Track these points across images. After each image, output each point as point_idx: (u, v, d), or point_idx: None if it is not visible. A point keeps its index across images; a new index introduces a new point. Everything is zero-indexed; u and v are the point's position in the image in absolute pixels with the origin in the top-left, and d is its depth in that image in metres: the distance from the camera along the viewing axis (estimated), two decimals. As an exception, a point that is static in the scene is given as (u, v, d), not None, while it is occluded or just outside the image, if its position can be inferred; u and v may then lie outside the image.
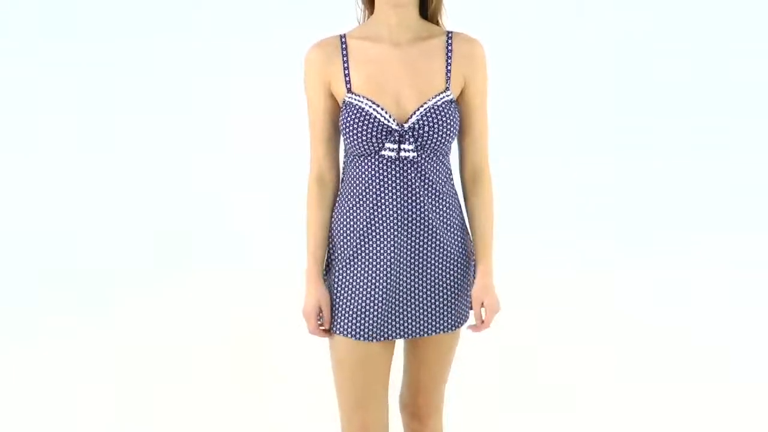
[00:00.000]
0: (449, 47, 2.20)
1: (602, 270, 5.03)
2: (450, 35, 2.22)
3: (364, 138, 2.16)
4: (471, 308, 2.29)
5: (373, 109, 2.15)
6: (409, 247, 2.21)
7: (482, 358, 3.77)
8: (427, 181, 2.20)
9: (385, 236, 2.19)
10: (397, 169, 2.18)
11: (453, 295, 2.26)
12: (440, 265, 2.24)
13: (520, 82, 5.70)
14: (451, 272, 2.26)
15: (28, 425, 3.44)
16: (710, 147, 5.83)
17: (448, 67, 2.19)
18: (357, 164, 2.21)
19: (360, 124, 2.15)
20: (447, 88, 2.19)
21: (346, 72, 2.19)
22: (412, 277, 2.22)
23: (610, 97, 5.83)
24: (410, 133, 2.16)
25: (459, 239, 2.26)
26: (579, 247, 5.30)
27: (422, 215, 2.20)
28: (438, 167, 2.21)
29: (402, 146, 2.15)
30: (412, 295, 2.23)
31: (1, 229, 5.49)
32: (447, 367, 2.37)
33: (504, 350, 3.92)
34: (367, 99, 2.16)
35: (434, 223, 2.21)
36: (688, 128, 5.84)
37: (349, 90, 2.18)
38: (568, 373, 3.82)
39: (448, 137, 2.19)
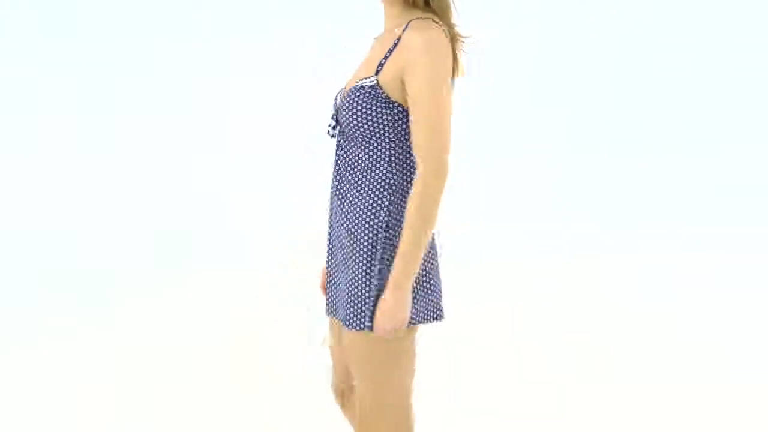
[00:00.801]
0: (399, 37, 2.14)
1: (588, 260, 5.03)
2: (407, 25, 2.15)
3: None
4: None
5: None
6: (330, 228, 2.29)
7: (468, 348, 3.77)
8: (343, 165, 2.22)
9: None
10: (334, 150, 2.26)
11: (344, 292, 2.21)
12: (338, 258, 2.25)
13: (510, 75, 5.71)
14: (342, 270, 2.24)
15: (28, 425, 3.44)
16: (697, 140, 5.83)
17: (386, 55, 2.15)
18: None
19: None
20: (373, 75, 2.15)
21: None
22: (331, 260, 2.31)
23: (598, 89, 5.82)
24: (333, 115, 2.25)
25: (357, 236, 2.16)
26: (565, 238, 5.30)
27: (334, 198, 2.26)
28: (356, 154, 2.19)
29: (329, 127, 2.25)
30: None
31: (1, 229, 5.49)
32: (360, 369, 2.25)
33: (489, 342, 3.93)
34: None
35: (336, 211, 2.24)
36: (676, 121, 5.85)
37: None
38: (555, 364, 3.82)
39: (354, 121, 2.16)
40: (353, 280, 2.17)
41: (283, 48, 5.13)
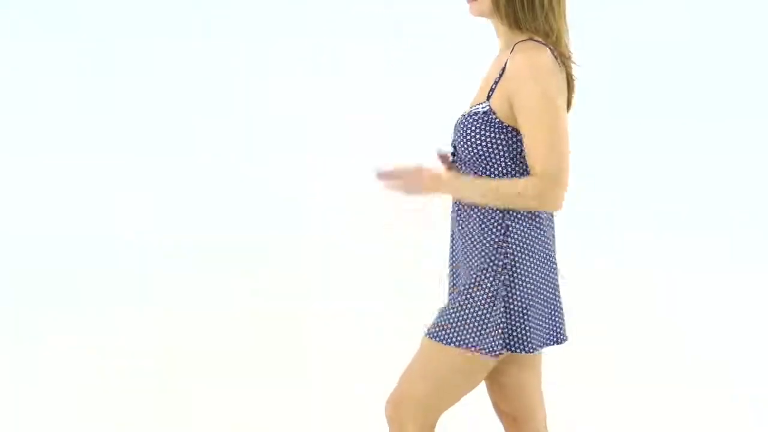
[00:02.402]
0: (507, 60, 2.15)
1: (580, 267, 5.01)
2: (514, 47, 2.16)
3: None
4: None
5: None
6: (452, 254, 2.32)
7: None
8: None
9: None
10: None
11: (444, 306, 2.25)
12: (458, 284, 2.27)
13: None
14: (449, 289, 2.30)
15: (28, 425, 3.43)
16: (688, 146, 5.79)
17: (497, 80, 2.16)
18: None
19: None
20: (485, 100, 2.17)
21: None
22: None
23: (592, 94, 5.78)
24: (453, 143, 2.27)
25: (468, 261, 2.20)
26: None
27: (452, 223, 2.29)
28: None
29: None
30: None
31: (1, 229, 5.48)
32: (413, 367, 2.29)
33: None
34: None
35: (455, 233, 2.27)
36: (670, 127, 5.82)
37: None
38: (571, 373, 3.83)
39: (468, 146, 2.17)
40: (450, 302, 2.23)
41: (284, 49, 5.12)
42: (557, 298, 2.24)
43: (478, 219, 2.18)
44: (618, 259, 5.17)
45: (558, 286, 2.24)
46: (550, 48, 2.13)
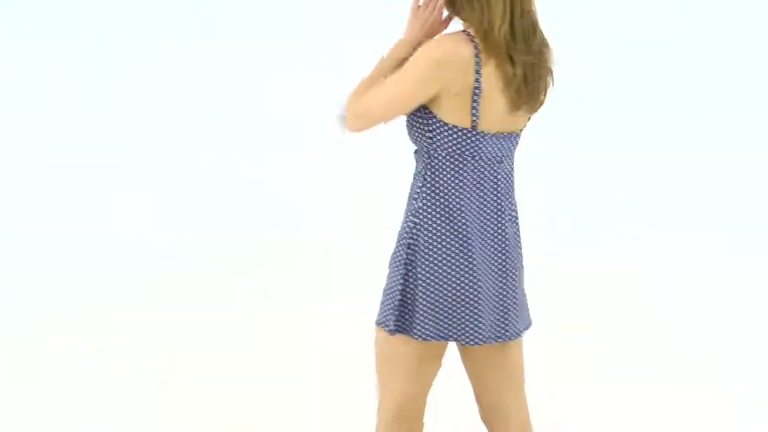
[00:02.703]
0: None
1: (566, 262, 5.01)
2: None
3: None
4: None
5: None
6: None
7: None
8: None
9: None
10: None
11: None
12: None
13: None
14: None
15: (28, 425, 3.43)
16: (682, 145, 5.79)
17: None
18: None
19: None
20: None
21: None
22: None
23: (582, 91, 5.76)
24: None
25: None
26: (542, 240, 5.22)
27: None
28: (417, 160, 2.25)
29: None
30: None
31: (1, 229, 5.48)
32: None
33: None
34: None
35: None
36: (666, 125, 5.81)
37: None
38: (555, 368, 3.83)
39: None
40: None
41: (284, 48, 5.13)
42: (477, 297, 2.15)
43: (410, 193, 2.22)
44: (605, 255, 5.17)
45: (477, 285, 2.15)
46: (474, 43, 2.09)
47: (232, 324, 4.34)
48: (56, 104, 5.79)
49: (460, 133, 2.12)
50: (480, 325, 2.16)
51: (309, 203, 5.42)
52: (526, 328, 2.30)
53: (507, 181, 2.21)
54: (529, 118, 2.23)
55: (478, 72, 2.08)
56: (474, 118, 2.11)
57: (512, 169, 2.24)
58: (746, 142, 5.84)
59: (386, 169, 4.92)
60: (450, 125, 2.12)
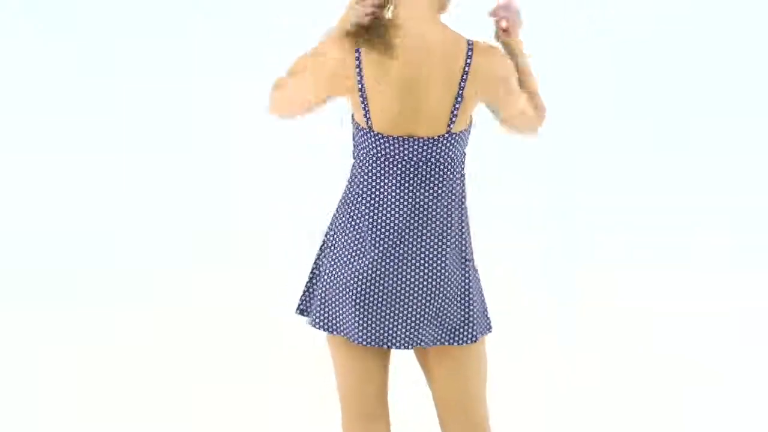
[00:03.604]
0: None
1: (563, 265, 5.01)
2: None
3: None
4: None
5: None
6: None
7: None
8: None
9: None
10: None
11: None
12: None
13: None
14: None
15: (28, 425, 3.43)
16: (669, 146, 5.79)
17: None
18: None
19: None
20: None
21: None
22: None
23: (586, 93, 5.79)
24: None
25: None
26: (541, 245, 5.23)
27: None
28: None
29: None
30: None
31: (1, 229, 5.48)
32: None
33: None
34: None
35: None
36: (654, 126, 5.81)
37: None
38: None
39: None
40: None
41: (285, 47, 5.10)
42: (362, 293, 2.11)
43: None
44: (592, 256, 5.17)
45: (363, 281, 2.11)
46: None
47: (232, 324, 4.34)
48: (55, 104, 5.79)
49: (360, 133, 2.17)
50: (366, 323, 2.12)
51: (309, 203, 5.42)
52: (444, 341, 2.17)
53: (422, 185, 2.14)
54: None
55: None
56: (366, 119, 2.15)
57: (438, 174, 2.16)
58: (745, 142, 5.85)
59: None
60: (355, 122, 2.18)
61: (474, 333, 2.16)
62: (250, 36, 5.77)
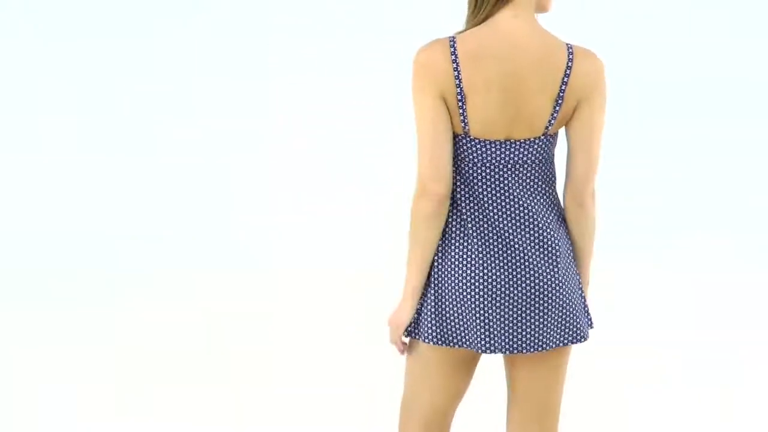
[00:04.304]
0: None
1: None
2: None
3: None
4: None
5: None
6: None
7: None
8: None
9: None
10: None
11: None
12: None
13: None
14: None
15: (28, 425, 3.44)
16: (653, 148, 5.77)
17: None
18: None
19: None
20: None
21: None
22: None
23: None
24: None
25: None
26: None
27: None
28: None
29: None
30: None
31: (1, 229, 5.48)
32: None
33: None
34: None
35: None
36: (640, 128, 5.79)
37: None
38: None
39: None
40: None
41: (286, 48, 5.12)
42: (476, 300, 2.09)
43: None
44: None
45: (476, 287, 2.08)
46: (450, 39, 2.07)
47: (231, 324, 4.34)
48: (55, 103, 5.79)
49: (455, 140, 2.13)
50: (491, 331, 2.09)
51: (310, 203, 5.42)
52: (567, 341, 2.14)
53: (520, 187, 2.13)
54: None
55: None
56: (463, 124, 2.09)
57: (534, 175, 2.15)
58: (745, 143, 5.84)
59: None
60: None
61: (585, 331, 2.16)
62: (250, 36, 5.76)
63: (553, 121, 2.09)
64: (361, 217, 5.21)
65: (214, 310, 4.55)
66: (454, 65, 2.04)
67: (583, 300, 2.16)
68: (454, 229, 2.11)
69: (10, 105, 5.78)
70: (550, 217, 2.14)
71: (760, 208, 5.56)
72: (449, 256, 2.10)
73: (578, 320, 2.13)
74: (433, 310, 2.11)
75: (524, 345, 2.08)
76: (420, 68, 2.06)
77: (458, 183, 2.12)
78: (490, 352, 2.08)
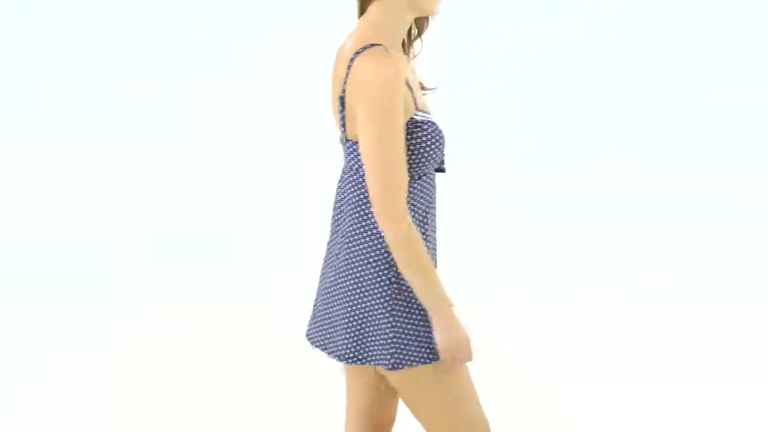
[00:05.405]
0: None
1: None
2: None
3: (441, 155, 2.04)
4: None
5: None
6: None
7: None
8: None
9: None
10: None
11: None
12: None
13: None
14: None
15: (28, 425, 3.44)
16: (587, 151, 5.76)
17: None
18: (422, 184, 2.04)
19: (441, 140, 2.02)
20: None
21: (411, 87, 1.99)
22: None
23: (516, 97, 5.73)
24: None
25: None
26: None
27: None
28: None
29: None
30: None
31: (1, 229, 5.49)
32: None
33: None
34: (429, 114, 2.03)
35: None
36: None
37: (417, 107, 2.00)
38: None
39: None
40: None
41: (286, 49, 5.13)
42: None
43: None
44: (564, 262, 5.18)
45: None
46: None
47: (232, 324, 4.34)
48: (55, 103, 5.80)
49: None
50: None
51: (310, 203, 5.42)
52: (333, 355, 2.19)
53: (341, 192, 2.09)
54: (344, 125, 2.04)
55: None
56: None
57: (348, 180, 2.07)
58: (744, 144, 5.86)
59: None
60: None
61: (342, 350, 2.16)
62: (250, 36, 5.77)
63: (344, 125, 2.03)
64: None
65: (214, 310, 4.55)
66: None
67: (353, 324, 2.14)
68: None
69: (10, 105, 5.79)
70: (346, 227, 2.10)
71: (760, 208, 5.57)
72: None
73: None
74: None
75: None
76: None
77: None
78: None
